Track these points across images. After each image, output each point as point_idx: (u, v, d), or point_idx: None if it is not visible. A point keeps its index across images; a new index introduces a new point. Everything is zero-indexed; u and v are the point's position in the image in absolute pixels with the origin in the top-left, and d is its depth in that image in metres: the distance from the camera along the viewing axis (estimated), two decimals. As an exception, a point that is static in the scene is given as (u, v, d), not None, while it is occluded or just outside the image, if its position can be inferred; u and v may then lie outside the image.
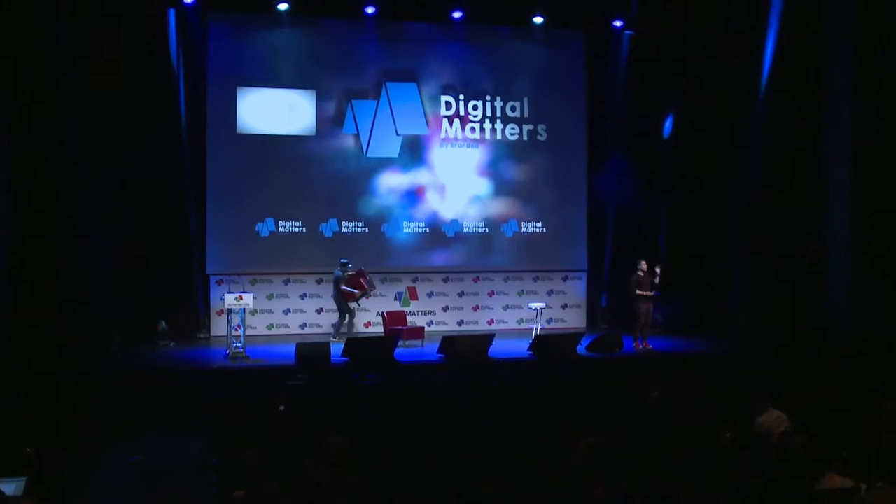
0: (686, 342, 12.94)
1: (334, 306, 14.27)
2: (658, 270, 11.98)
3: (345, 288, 12.95)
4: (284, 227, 14.23)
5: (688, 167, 14.26)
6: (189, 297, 13.55)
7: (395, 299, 14.75)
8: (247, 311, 11.57)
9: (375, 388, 9.08)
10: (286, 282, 14.32)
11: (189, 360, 11.30)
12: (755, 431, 5.86)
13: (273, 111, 14.17)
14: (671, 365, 10.85)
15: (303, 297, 14.35)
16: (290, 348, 10.91)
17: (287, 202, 14.19)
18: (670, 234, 14.62)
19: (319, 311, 14.38)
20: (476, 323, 14.23)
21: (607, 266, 15.34)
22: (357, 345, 10.96)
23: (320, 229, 14.36)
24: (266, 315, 14.17)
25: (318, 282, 14.42)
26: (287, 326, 14.26)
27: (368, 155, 14.47)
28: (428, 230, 14.82)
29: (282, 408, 7.25)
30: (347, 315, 13.12)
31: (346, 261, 13.19)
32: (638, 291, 11.98)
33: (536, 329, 12.94)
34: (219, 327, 13.36)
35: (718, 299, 13.60)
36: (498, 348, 11.79)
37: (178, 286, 13.32)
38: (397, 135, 14.60)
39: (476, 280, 15.16)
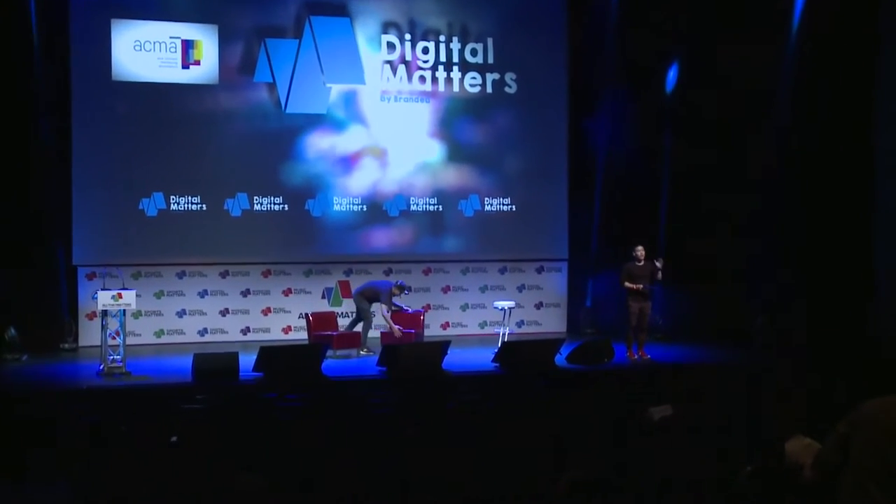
0: (693, 350, 13.11)
1: (243, 306, 14.16)
2: (659, 264, 12.04)
3: (396, 303, 12.92)
4: (178, 204, 14.10)
5: (698, 132, 14.41)
6: (48, 296, 13.34)
7: (323, 297, 14.73)
8: (128, 314, 11.48)
9: (297, 411, 8.93)
10: (180, 275, 14.22)
11: (48, 379, 11.15)
12: (783, 462, 5.91)
13: (160, 53, 13.96)
14: (675, 379, 10.94)
15: (202, 294, 14.28)
16: (186, 361, 10.81)
17: (181, 172, 14.05)
18: (676, 214, 14.78)
19: (224, 312, 14.32)
20: (428, 327, 14.23)
21: (594, 254, 15.47)
22: (273, 355, 10.87)
23: (226, 207, 14.27)
24: (154, 318, 14.07)
25: (223, 275, 14.35)
26: (182, 333, 14.18)
27: (288, 111, 14.40)
28: (365, 208, 14.81)
29: (174, 439, 7.11)
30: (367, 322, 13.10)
31: (406, 286, 13.02)
32: (627, 284, 12.06)
33: (504, 335, 12.98)
34: (90, 335, 13.20)
35: (735, 297, 13.79)
36: (455, 359, 11.77)
37: (32, 282, 13.07)
38: (325, 85, 14.53)
39: (427, 272, 15.20)
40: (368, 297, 12.94)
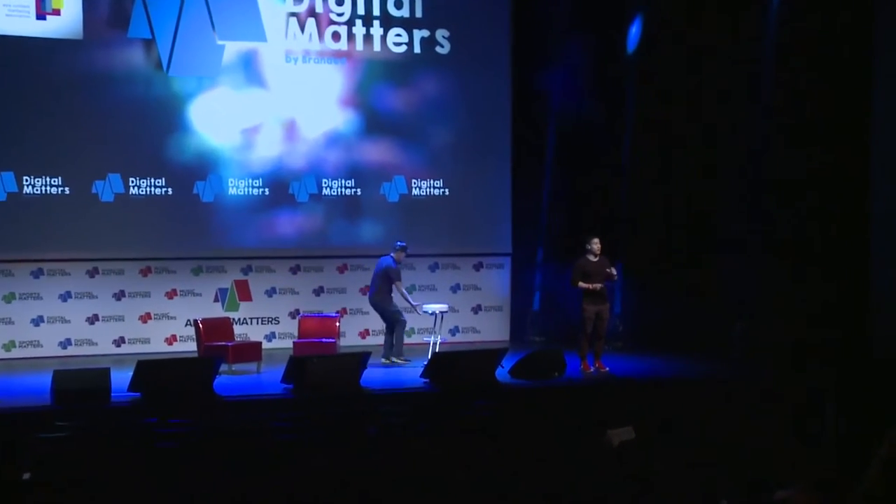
0: (660, 362, 13.22)
1: (115, 312, 13.96)
2: (613, 271, 12.14)
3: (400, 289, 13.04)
4: (33, 186, 13.86)
5: (664, 103, 14.56)
6: None
7: (216, 300, 14.64)
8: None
9: (183, 439, 8.85)
10: (36, 274, 14.01)
11: None
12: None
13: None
14: (639, 396, 11.05)
15: (64, 297, 14.09)
16: (45, 379, 10.58)
17: (37, 148, 13.82)
18: (640, 200, 14.93)
19: (92, 319, 14.14)
20: (344, 335, 14.14)
21: (542, 247, 15.55)
22: (154, 372, 10.73)
23: (94, 190, 14.09)
24: (2, 328, 13.87)
25: (91, 274, 14.17)
26: (38, 345, 13.97)
27: (172, 74, 14.25)
28: (267, 191, 14.72)
29: (27, 476, 6.95)
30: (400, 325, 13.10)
31: (404, 244, 13.22)
32: (581, 284, 12.12)
33: (434, 344, 12.97)
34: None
35: (710, 299, 13.97)
36: (376, 374, 11.72)
37: None
38: (217, 43, 14.40)
39: (342, 270, 15.16)
40: (386, 290, 12.98)
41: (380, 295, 13.07)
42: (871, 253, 12.99)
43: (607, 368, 12.33)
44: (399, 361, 12.84)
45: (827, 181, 13.20)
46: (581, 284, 12.08)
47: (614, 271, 12.19)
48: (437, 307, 13.28)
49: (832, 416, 8.83)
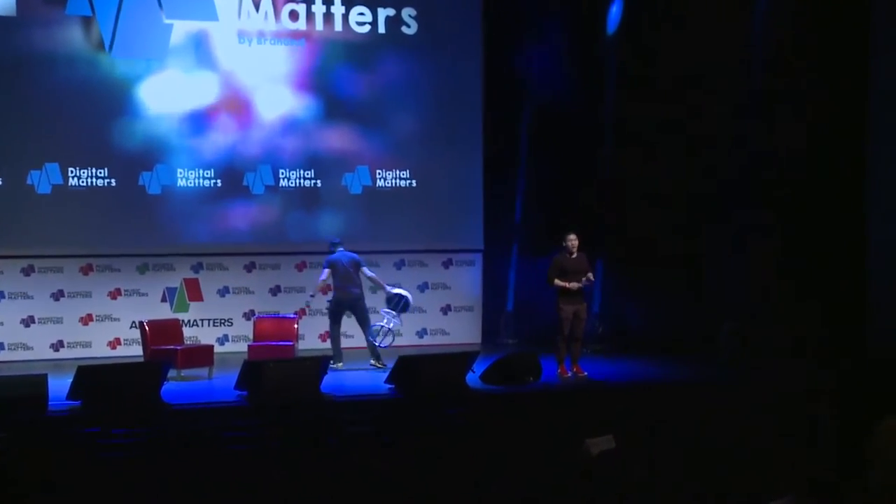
0: (642, 366, 13.28)
1: (53, 314, 14.00)
2: (590, 277, 12.17)
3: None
4: (-36, 176, 13.79)
5: (647, 88, 14.62)
6: None
7: (164, 300, 14.63)
8: None
9: (128, 450, 8.84)
10: (-32, 272, 13.95)
11: None
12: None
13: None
14: (620, 403, 11.07)
15: (-1, 297, 14.04)
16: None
17: (-31, 133, 13.73)
18: (622, 193, 14.99)
19: (27, 321, 14.10)
20: (303, 338, 14.16)
21: (516, 243, 15.60)
22: (96, 378, 10.68)
23: (29, 181, 14.05)
24: (-69, 330, 13.80)
25: (26, 272, 14.12)
26: (-31, 349, 13.92)
27: (115, 55, 14.22)
28: (219, 182, 14.71)
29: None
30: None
31: (339, 240, 13.30)
32: (558, 282, 12.14)
33: (389, 331, 12.93)
34: None
35: (696, 298, 14.01)
36: (338, 379, 11.74)
37: None
38: (165, 22, 14.37)
39: (300, 267, 15.16)
40: (359, 285, 13.11)
41: (361, 289, 13.13)
42: (867, 249, 13.08)
43: (586, 373, 12.36)
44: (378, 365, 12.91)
45: (821, 175, 13.29)
46: (557, 282, 12.09)
47: (591, 276, 12.20)
48: (387, 322, 13.33)
49: (827, 418, 8.90)
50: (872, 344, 12.72)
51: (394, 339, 13.38)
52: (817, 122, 13.25)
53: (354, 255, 13.17)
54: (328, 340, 14.79)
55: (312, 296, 13.41)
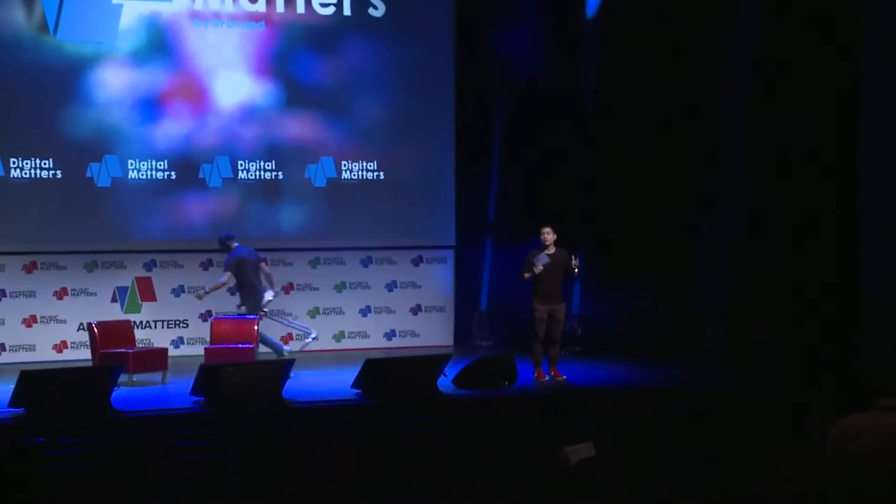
0: (623, 369, 13.33)
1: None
2: (576, 262, 12.15)
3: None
4: None
5: (628, 74, 14.65)
6: None
7: (114, 300, 14.58)
8: None
9: (76, 461, 8.72)
10: None
11: None
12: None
13: None
14: (600, 408, 11.10)
15: (-64, 297, 13.98)
16: None
17: None
18: (601, 184, 15.04)
19: (-31, 323, 14.00)
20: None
21: (490, 239, 15.63)
22: (40, 384, 10.60)
23: None
24: None
25: (-32, 269, 14.01)
26: None
27: (60, 37, 14.15)
28: (174, 174, 14.67)
29: None
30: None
31: (230, 234, 13.32)
32: (527, 275, 12.12)
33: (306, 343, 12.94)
34: None
35: (681, 297, 14.09)
36: (301, 384, 11.73)
37: None
38: (113, 2, 14.32)
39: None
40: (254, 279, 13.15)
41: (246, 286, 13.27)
42: (860, 247, 13.15)
43: (564, 376, 12.38)
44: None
45: (814, 167, 13.35)
46: (526, 276, 12.06)
47: (576, 262, 12.13)
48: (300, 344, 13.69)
49: (816, 425, 8.96)
50: (866, 345, 12.79)
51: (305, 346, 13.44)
52: (811, 117, 13.30)
53: (252, 250, 13.24)
54: (290, 343, 14.81)
55: (200, 297, 13.32)
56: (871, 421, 4.45)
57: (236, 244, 13.16)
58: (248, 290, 13.09)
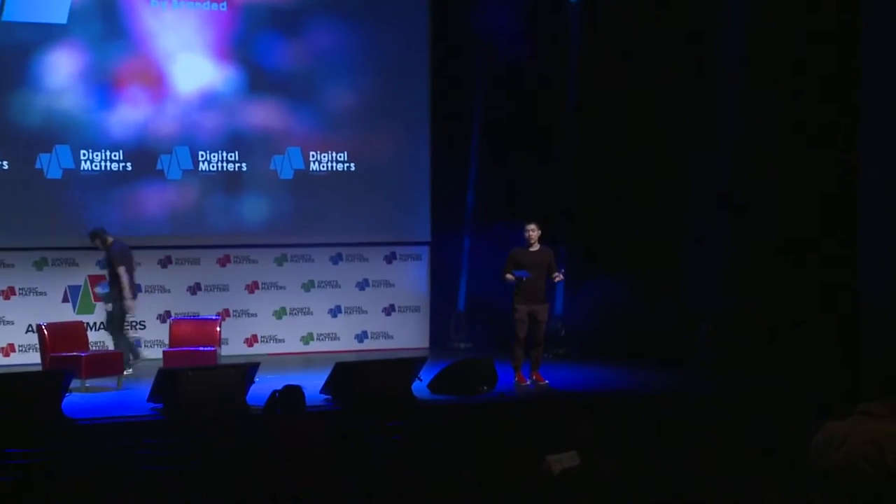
0: (609, 373, 13.38)
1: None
2: (559, 276, 12.22)
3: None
4: None
5: (615, 59, 14.66)
6: None
7: (65, 300, 14.55)
8: None
9: (25, 472, 8.71)
10: None
11: None
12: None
13: None
14: (583, 415, 11.10)
15: None
16: None
17: None
18: (586, 177, 15.06)
19: None
20: (226, 343, 14.11)
21: (468, 235, 15.63)
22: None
23: None
24: None
25: None
26: None
27: (7, 17, 14.12)
28: (130, 166, 14.64)
29: None
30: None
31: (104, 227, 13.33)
32: (509, 276, 12.14)
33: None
34: None
35: (670, 297, 14.14)
36: (267, 389, 11.55)
37: None
38: (66, -20, 14.28)
39: (223, 262, 15.13)
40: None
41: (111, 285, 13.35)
42: (857, 245, 13.19)
43: (546, 381, 12.43)
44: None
45: (811, 157, 13.39)
46: (508, 277, 12.10)
47: (560, 276, 12.22)
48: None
49: (813, 431, 8.99)
50: (865, 347, 12.84)
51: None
52: (806, 113, 13.35)
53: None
54: (255, 345, 14.79)
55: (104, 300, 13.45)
56: (854, 427, 4.50)
57: (111, 238, 13.24)
58: (129, 288, 13.13)
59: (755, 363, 12.78)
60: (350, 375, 11.60)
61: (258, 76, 15.02)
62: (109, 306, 13.14)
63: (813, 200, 13.35)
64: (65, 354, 12.36)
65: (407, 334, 15.65)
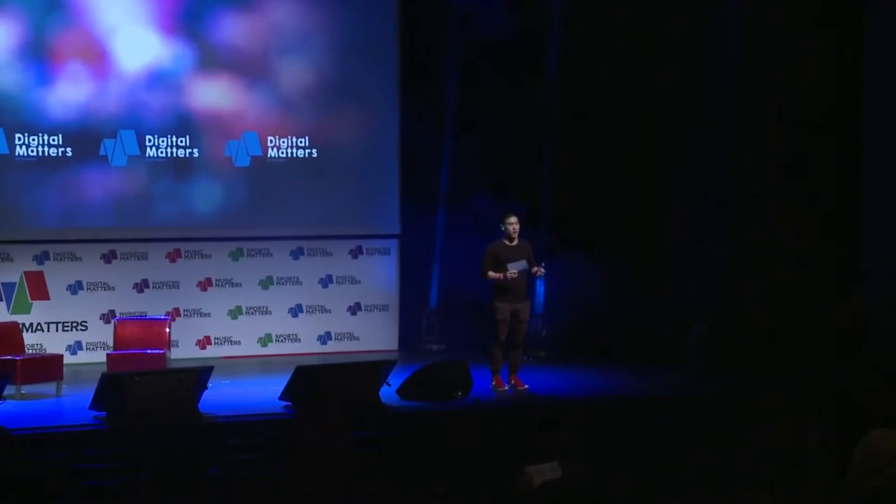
0: (594, 376, 13.43)
1: None
2: (539, 270, 12.25)
3: None
4: None
5: (604, 34, 14.71)
6: None
7: (0, 299, 14.42)
8: None
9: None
10: None
11: None
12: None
13: None
14: (568, 421, 11.13)
15: None
16: None
17: None
18: (569, 165, 15.07)
19: None
20: (176, 345, 14.06)
21: (441, 227, 15.66)
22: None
23: None
24: None
25: None
26: None
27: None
28: (69, 151, 14.58)
29: None
30: None
31: None
32: (492, 274, 12.20)
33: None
34: None
35: (660, 296, 14.18)
36: (222, 395, 11.75)
37: None
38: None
39: (173, 257, 15.11)
40: None
41: None
42: (860, 244, 13.26)
43: (527, 386, 12.46)
44: None
45: (810, 160, 13.44)
46: (491, 275, 12.12)
47: (541, 270, 12.26)
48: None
49: (816, 435, 9.06)
50: (868, 347, 12.91)
51: None
52: (806, 110, 13.41)
53: None
54: (208, 347, 14.77)
55: None
56: None
57: None
58: None
59: (752, 364, 12.83)
60: (312, 380, 11.60)
61: (210, 53, 14.98)
62: None
63: (813, 200, 13.43)
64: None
65: (374, 335, 15.66)
